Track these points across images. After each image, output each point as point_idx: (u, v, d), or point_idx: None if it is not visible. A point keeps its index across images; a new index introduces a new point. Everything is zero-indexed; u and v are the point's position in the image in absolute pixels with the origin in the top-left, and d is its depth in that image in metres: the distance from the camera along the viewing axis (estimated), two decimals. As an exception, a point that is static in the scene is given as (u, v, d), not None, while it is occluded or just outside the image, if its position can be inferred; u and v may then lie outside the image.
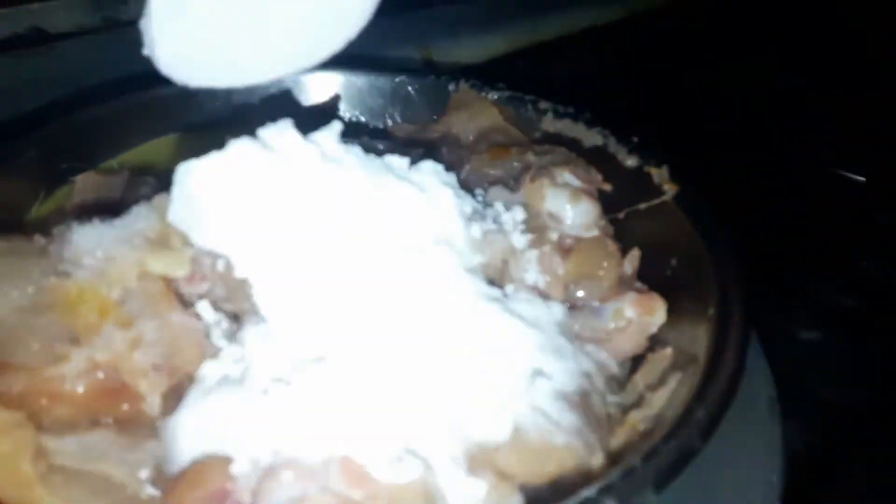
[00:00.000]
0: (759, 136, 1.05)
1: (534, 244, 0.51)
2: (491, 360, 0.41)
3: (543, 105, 0.68)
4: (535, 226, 0.52)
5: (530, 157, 0.58)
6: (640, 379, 0.50)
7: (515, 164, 0.60)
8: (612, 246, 0.53)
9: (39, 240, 0.43)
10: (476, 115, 0.69)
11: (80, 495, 0.35)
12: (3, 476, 0.34)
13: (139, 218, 0.43)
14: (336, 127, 0.45)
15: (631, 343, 0.51)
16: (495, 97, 0.70)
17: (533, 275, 0.50)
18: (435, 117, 0.73)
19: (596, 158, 0.62)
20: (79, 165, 0.60)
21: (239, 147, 0.42)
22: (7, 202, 0.57)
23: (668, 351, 0.49)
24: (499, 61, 1.14)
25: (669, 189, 0.57)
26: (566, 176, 0.55)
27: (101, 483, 0.36)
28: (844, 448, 0.58)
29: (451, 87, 0.72)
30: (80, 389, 0.39)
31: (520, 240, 0.51)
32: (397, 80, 0.75)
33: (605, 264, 0.51)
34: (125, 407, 0.40)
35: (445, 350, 0.40)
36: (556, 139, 0.66)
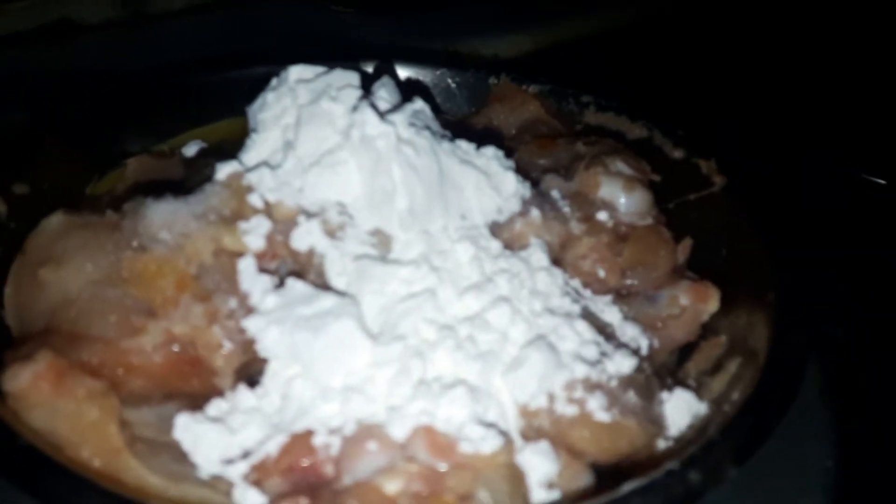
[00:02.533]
0: (780, 139, 1.06)
1: (590, 231, 0.51)
2: (559, 343, 0.41)
3: (585, 98, 0.69)
4: (590, 213, 0.52)
5: (580, 147, 0.59)
6: (693, 366, 0.50)
7: (564, 154, 0.60)
8: (667, 234, 0.53)
9: (112, 215, 0.43)
10: (517, 107, 0.70)
11: (165, 463, 0.35)
12: (93, 443, 0.34)
13: (213, 195, 0.43)
14: (408, 109, 0.46)
15: (683, 330, 0.51)
16: (536, 90, 0.71)
17: (589, 261, 0.50)
18: (474, 110, 0.73)
19: (640, 150, 0.62)
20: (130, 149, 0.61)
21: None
22: (60, 184, 0.57)
23: (722, 339, 0.50)
24: (526, 58, 1.15)
25: (718, 180, 0.58)
26: (619, 165, 0.56)
27: (182, 452, 0.36)
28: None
29: (493, 80, 0.73)
30: (157, 361, 0.39)
31: (576, 226, 0.51)
32: (438, 72, 0.75)
33: (661, 252, 0.52)
34: (196, 382, 0.40)
35: (514, 331, 0.41)
36: (598, 132, 0.67)
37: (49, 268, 0.41)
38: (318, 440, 0.36)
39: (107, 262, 0.41)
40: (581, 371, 0.41)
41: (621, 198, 0.54)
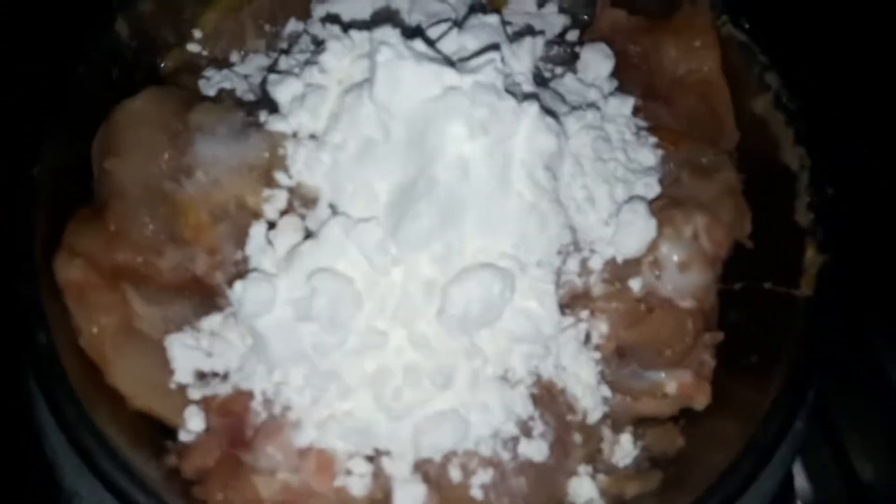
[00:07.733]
0: None
1: (610, 297, 0.49)
2: (476, 416, 0.45)
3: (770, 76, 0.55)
4: (624, 276, 0.49)
5: (684, 178, 0.51)
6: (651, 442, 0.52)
7: (673, 165, 0.53)
8: (692, 327, 0.49)
9: (177, 123, 0.47)
10: (690, 47, 0.57)
11: (146, 367, 0.46)
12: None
13: (252, 147, 0.46)
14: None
15: (653, 409, 0.51)
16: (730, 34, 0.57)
17: (592, 322, 0.49)
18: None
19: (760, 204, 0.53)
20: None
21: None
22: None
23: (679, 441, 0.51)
24: None
25: (807, 288, 0.50)
26: (699, 224, 0.49)
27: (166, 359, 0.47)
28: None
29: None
30: (170, 278, 0.47)
31: (598, 285, 0.49)
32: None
33: (676, 346, 0.49)
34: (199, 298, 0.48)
35: (442, 397, 0.45)
36: (760, 128, 0.55)
37: (112, 161, 0.47)
38: (254, 403, 0.45)
39: (159, 170, 0.47)
40: (483, 447, 0.45)
41: (673, 268, 0.49)
